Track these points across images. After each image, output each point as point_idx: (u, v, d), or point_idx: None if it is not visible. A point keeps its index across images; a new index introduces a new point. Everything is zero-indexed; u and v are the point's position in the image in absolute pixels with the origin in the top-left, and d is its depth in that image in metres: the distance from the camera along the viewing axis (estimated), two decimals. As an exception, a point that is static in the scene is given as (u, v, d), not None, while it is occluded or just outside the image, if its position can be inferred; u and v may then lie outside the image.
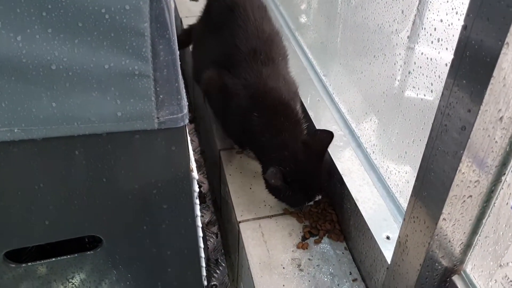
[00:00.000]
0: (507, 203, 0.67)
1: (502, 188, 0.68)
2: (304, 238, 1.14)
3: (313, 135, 1.16)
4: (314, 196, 1.13)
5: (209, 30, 1.41)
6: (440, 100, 0.66)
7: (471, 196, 0.69)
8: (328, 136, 1.12)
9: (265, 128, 1.16)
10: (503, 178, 0.67)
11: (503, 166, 0.65)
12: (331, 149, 1.19)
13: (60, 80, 0.69)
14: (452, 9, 0.77)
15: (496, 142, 0.62)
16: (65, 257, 0.96)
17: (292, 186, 1.10)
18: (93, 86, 0.71)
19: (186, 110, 0.80)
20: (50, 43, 0.66)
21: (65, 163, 0.80)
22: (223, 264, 1.45)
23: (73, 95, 0.71)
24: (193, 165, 0.91)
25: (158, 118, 0.77)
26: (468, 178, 0.66)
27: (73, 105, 0.72)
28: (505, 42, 0.52)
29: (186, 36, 1.63)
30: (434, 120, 0.69)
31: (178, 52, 0.75)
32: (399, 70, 1.01)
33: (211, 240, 1.52)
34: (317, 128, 1.25)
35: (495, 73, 0.55)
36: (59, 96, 0.71)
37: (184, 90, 0.81)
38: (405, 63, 0.99)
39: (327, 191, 1.18)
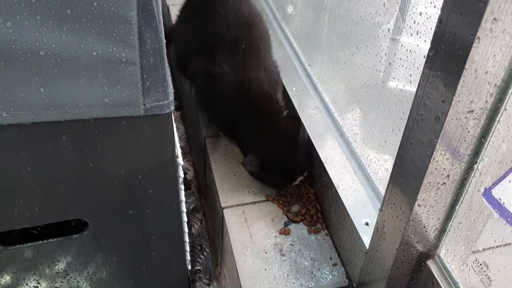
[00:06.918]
0: (478, 191, 0.70)
1: (474, 176, 0.70)
2: (286, 224, 1.17)
3: (284, 122, 1.22)
4: (295, 178, 1.19)
5: (189, 17, 1.44)
6: (417, 91, 0.69)
7: (444, 183, 0.72)
8: (296, 122, 1.20)
9: (245, 118, 1.21)
10: (475, 166, 0.69)
11: (475, 155, 0.68)
12: (313, 137, 1.22)
13: (48, 66, 0.71)
14: (431, 2, 0.80)
15: (468, 131, 0.65)
16: (51, 240, 0.97)
17: (271, 171, 1.17)
18: (81, 72, 0.73)
19: (171, 97, 0.82)
20: (39, 29, 0.68)
21: (52, 147, 0.81)
22: (207, 250, 1.47)
23: (61, 81, 0.72)
24: (178, 151, 0.93)
25: (144, 104, 0.79)
26: (442, 166, 0.69)
27: (61, 90, 0.73)
28: (477, 36, 0.55)
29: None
30: (411, 109, 0.71)
31: (164, 41, 0.77)
32: (380, 61, 1.04)
33: (195, 226, 1.54)
34: (300, 116, 1.28)
35: (467, 66, 0.58)
36: (47, 81, 0.72)
37: (170, 78, 0.83)
38: (386, 55, 1.01)
39: (308, 169, 1.24)
